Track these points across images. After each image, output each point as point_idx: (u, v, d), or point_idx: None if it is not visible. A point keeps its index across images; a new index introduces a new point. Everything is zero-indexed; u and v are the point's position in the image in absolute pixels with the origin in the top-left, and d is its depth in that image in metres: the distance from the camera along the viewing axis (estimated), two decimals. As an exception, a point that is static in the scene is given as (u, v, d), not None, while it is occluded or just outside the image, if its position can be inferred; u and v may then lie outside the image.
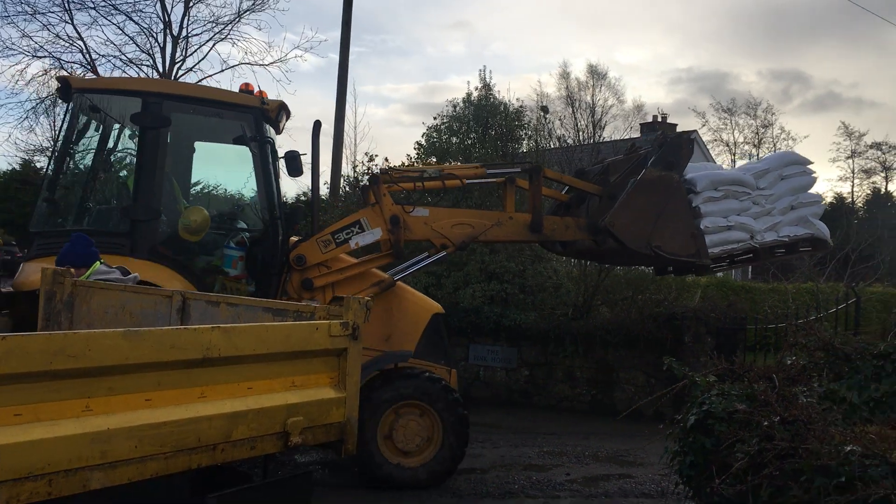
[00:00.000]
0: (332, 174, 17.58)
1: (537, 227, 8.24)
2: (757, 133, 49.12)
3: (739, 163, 49.80)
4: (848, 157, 50.00)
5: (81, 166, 7.72)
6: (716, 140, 50.28)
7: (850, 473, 3.39)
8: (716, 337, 12.15)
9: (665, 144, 8.52)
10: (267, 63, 27.52)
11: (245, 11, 23.09)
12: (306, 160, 7.71)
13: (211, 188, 8.98)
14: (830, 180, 76.00)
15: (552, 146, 18.85)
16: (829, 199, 45.82)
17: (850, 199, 47.26)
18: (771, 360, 6.48)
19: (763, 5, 76.92)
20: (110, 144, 7.83)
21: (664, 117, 33.73)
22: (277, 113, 7.77)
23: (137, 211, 7.11)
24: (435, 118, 15.49)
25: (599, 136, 25.07)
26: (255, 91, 7.68)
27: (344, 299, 4.84)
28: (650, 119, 34.56)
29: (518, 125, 15.18)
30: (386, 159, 14.58)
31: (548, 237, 8.50)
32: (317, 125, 7.78)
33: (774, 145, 48.74)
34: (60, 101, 7.86)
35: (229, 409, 3.73)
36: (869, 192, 48.81)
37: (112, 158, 7.78)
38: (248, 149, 7.61)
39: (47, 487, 3.06)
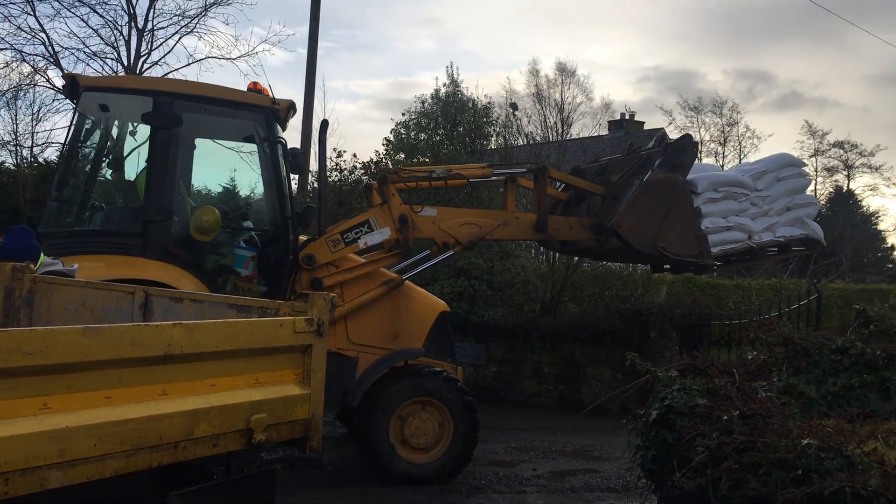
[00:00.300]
0: (300, 170, 17.47)
1: (542, 226, 8.30)
2: (723, 131, 49.75)
3: (706, 160, 50.45)
4: (811, 156, 50.77)
5: (90, 166, 7.61)
6: (683, 138, 50.74)
7: (807, 466, 3.45)
8: (681, 333, 12.30)
9: (670, 147, 8.57)
10: (234, 57, 27.27)
11: (212, 5, 22.79)
12: (298, 159, 7.71)
13: (220, 188, 9.04)
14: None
15: (521, 143, 18.90)
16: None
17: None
18: (734, 355, 6.59)
19: (728, 5, 77.96)
20: (119, 144, 7.75)
21: (632, 115, 34.05)
22: (286, 112, 7.77)
23: (149, 211, 7.02)
24: (403, 114, 15.50)
25: (567, 134, 25.21)
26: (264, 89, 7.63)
27: (309, 295, 4.83)
28: (618, 117, 34.84)
29: (486, 122, 15.21)
30: (354, 155, 14.61)
31: (552, 237, 8.57)
32: (324, 125, 7.80)
33: (740, 143, 49.43)
34: (67, 99, 7.75)
35: (191, 406, 3.70)
36: (832, 190, 49.68)
37: (121, 158, 7.70)
38: (258, 148, 7.61)
39: (4, 486, 3.01)
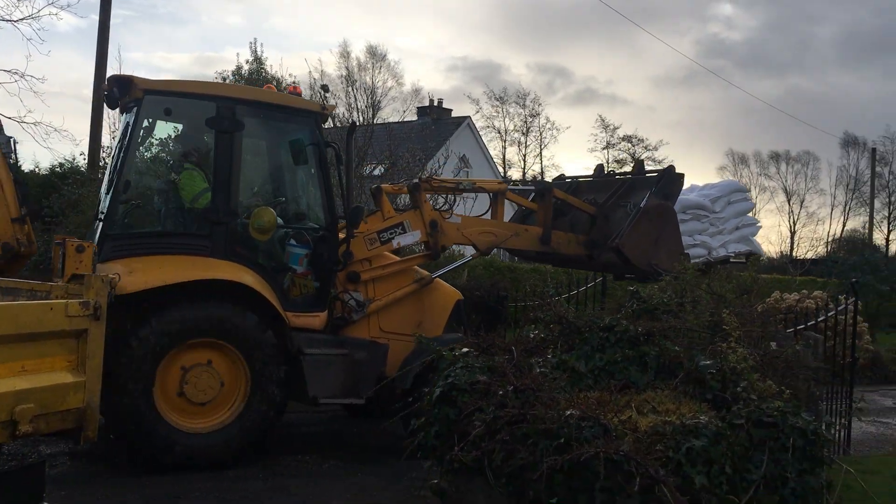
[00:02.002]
0: (90, 144, 16.39)
1: (546, 239, 9.23)
2: (526, 122, 51.82)
3: (510, 150, 52.52)
4: (604, 148, 54.18)
5: (151, 168, 7.88)
6: (488, 127, 52.44)
7: (568, 435, 3.74)
8: (480, 314, 12.75)
9: (664, 178, 9.68)
10: (15, 19, 24.85)
11: (-10, -40, 20.77)
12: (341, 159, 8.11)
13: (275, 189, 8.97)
14: (588, 168, 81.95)
15: (329, 125, 18.75)
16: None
17: (606, 186, 51.33)
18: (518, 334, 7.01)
19: (529, 1, 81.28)
20: (180, 147, 7.97)
21: (440, 102, 34.73)
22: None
23: (217, 213, 7.21)
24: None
25: (376, 118, 25.32)
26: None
27: (85, 277, 4.58)
28: (427, 103, 35.43)
29: (292, 102, 14.96)
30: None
31: (554, 250, 9.39)
32: (352, 127, 8.44)
33: (541, 134, 51.74)
34: (118, 98, 7.65)
35: (-56, 396, 3.42)
36: (622, 180, 53.25)
37: (184, 161, 7.73)
38: (308, 150, 7.87)
39: None
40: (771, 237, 65.45)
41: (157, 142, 7.90)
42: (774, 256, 50.09)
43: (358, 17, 75.83)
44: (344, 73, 32.51)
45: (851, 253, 32.26)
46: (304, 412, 10.07)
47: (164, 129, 8.16)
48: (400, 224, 8.44)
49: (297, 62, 74.50)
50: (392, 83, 46.44)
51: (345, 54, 39.56)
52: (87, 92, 15.40)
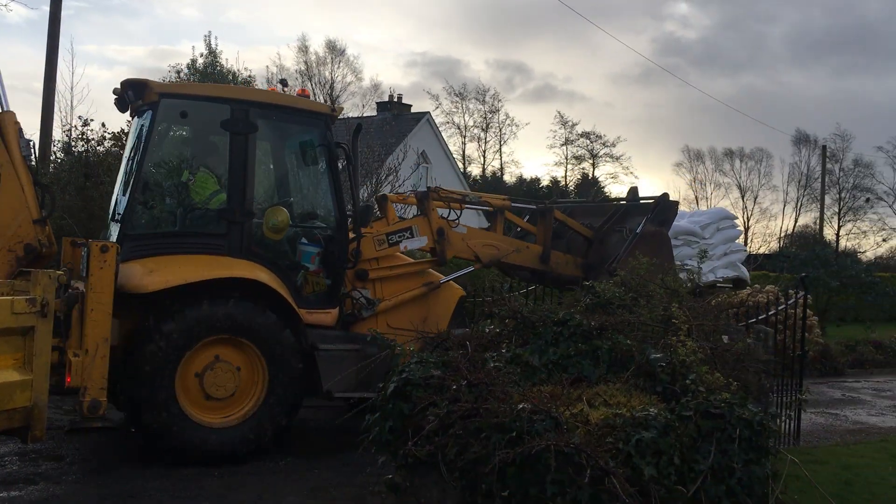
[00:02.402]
0: (41, 138, 16.03)
1: (546, 258, 9.66)
2: (485, 118, 52.12)
3: (470, 145, 52.63)
4: (562, 144, 54.71)
5: (167, 169, 7.96)
6: (448, 122, 52.62)
7: (520, 428, 3.78)
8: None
9: (659, 205, 10.09)
10: (-37, 9, 24.31)
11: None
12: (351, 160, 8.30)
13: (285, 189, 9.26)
14: (547, 164, 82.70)
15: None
16: (546, 181, 50.01)
17: (564, 183, 51.84)
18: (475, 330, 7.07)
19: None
20: (195, 148, 8.20)
21: (399, 97, 34.63)
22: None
23: (233, 213, 7.41)
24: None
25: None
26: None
27: (32, 273, 4.50)
28: (386, 98, 35.32)
29: (248, 96, 14.81)
30: (103, 124, 13.44)
31: (552, 269, 9.73)
32: (358, 128, 8.53)
33: (500, 130, 52.00)
34: (124, 101, 7.95)
35: None
36: (579, 176, 53.80)
37: (198, 162, 8.01)
38: (317, 151, 8.25)
39: None
40: (726, 233, 66.28)
41: (170, 144, 8.18)
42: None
43: (316, 11, 75.50)
44: (302, 68, 32.31)
45: (803, 248, 32.94)
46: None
47: (178, 132, 8.48)
48: (408, 228, 8.85)
49: (255, 56, 73.76)
50: (351, 78, 46.36)
51: (303, 48, 39.37)
52: (38, 85, 15.12)
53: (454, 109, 52.34)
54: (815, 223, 50.37)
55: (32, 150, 7.61)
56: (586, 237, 10.13)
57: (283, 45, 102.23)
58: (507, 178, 49.43)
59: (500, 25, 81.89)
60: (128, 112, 8.16)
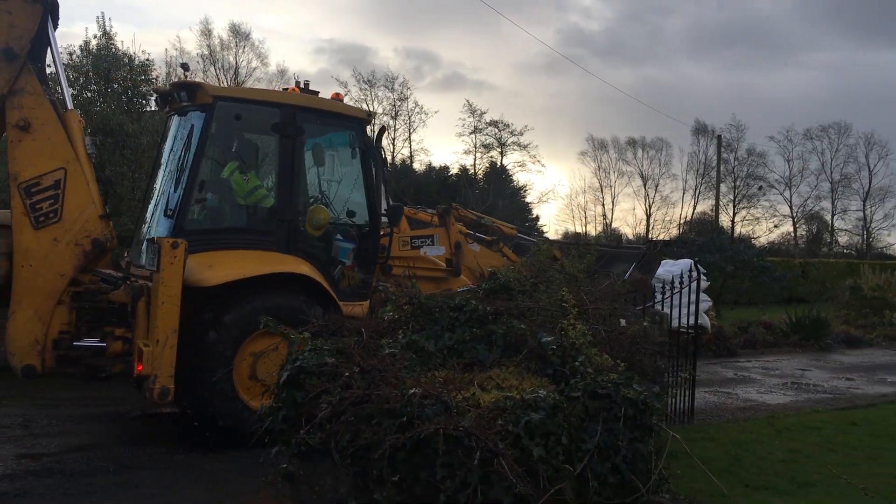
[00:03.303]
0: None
1: None
2: (394, 106, 51.78)
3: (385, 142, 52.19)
4: (471, 133, 54.94)
5: (219, 168, 8.31)
6: (358, 111, 52.16)
7: (411, 413, 3.79)
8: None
9: (645, 255, 11.59)
10: None
11: None
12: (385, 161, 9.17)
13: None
14: (457, 153, 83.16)
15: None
16: (455, 170, 50.27)
17: (473, 171, 52.20)
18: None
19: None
20: (247, 149, 8.59)
21: (307, 83, 34.07)
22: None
23: (282, 211, 7.98)
24: (49, 66, 13.97)
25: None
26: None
27: None
28: (293, 84, 34.74)
29: (145, 80, 14.28)
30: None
31: None
32: (381, 130, 9.35)
33: (409, 118, 51.84)
34: (182, 101, 8.22)
35: None
36: (487, 165, 54.24)
37: (249, 162, 8.49)
38: (353, 152, 8.79)
39: None
40: (628, 220, 68.55)
41: (217, 143, 8.58)
42: (632, 238, 52.60)
43: (220, -7, 73.39)
44: (205, 52, 31.45)
45: (700, 234, 34.20)
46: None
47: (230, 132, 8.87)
48: (430, 236, 9.77)
49: (154, 39, 71.24)
50: (256, 63, 45.42)
51: (206, 32, 38.29)
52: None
53: (363, 97, 51.84)
54: (711, 210, 52.36)
55: (96, 148, 7.98)
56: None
57: (185, 29, 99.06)
58: (416, 166, 49.34)
59: (407, 13, 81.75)
60: (166, 109, 8.67)
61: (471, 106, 57.97)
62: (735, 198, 62.10)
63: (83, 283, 7.18)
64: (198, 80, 8.48)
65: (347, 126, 8.80)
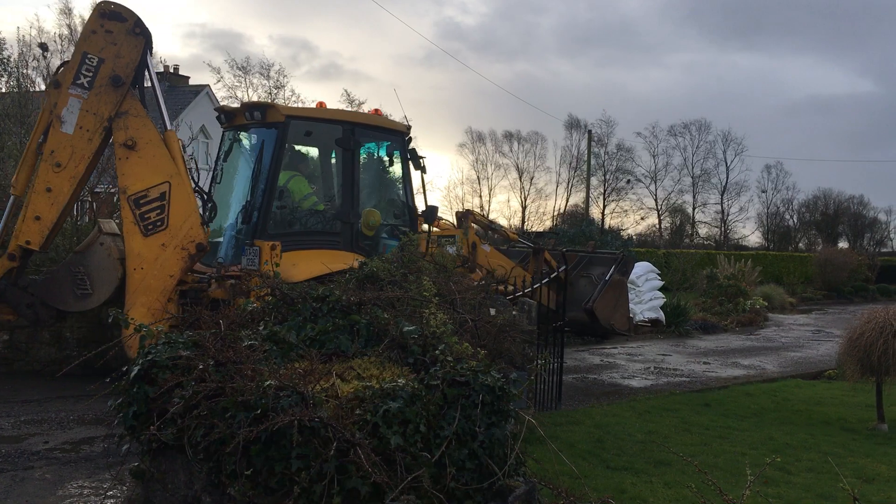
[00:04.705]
0: None
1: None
2: (270, 94, 50.59)
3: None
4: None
5: (289, 180, 9.45)
6: (231, 97, 50.64)
7: (266, 405, 3.72)
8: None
9: (622, 260, 12.91)
10: None
11: None
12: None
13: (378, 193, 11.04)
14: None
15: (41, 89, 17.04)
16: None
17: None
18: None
19: (269, -29, 79.35)
20: (316, 162, 10.13)
21: (176, 68, 32.90)
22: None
23: (346, 215, 9.36)
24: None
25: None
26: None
27: None
28: (161, 69, 33.42)
29: (-6, 60, 13.39)
30: None
31: (536, 299, 10.97)
32: (407, 129, 10.43)
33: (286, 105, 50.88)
34: (258, 120, 9.26)
35: None
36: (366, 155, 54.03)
37: (318, 173, 10.02)
38: (396, 161, 10.21)
39: None
40: (504, 212, 69.92)
41: (301, 159, 9.96)
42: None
43: (82, -29, 69.55)
44: (65, 32, 29.69)
45: (572, 226, 35.25)
46: (7, 400, 9.22)
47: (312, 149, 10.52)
48: (452, 237, 11.21)
49: (6, 16, 66.84)
50: (123, 46, 43.18)
51: (66, 11, 36.05)
52: None
53: (237, 84, 50.35)
54: (583, 203, 54.12)
55: (194, 162, 9.48)
56: (562, 279, 11.95)
57: (43, 6, 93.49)
58: (294, 155, 48.52)
59: (283, 1, 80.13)
60: (225, 125, 9.85)
61: (349, 96, 57.35)
62: (605, 191, 64.44)
63: (188, 283, 8.09)
64: (266, 101, 9.90)
65: (391, 138, 10.11)
